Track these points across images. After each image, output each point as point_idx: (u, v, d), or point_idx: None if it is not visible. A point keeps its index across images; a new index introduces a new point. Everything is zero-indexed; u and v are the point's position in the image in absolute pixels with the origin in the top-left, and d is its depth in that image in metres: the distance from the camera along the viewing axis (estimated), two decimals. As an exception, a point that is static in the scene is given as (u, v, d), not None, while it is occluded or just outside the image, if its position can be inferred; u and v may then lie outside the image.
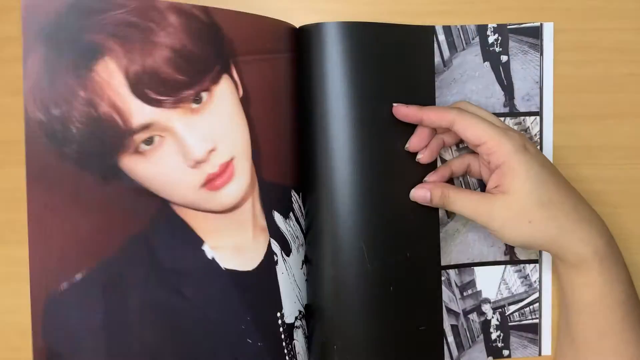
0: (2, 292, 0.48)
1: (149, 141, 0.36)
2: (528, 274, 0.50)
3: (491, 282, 0.50)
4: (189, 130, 0.37)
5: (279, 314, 0.44)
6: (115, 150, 0.35)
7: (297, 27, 0.44)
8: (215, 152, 0.38)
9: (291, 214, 0.44)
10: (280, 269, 0.44)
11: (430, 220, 0.48)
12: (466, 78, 0.49)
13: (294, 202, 0.44)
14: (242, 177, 0.40)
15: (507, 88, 0.49)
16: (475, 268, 0.50)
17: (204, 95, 0.37)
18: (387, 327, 0.47)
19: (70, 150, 0.34)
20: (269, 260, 0.43)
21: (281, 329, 0.44)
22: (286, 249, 0.44)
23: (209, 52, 0.37)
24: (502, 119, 0.47)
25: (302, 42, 0.43)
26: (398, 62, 0.46)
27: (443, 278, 0.49)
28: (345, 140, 0.44)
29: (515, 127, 0.49)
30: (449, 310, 0.49)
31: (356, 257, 0.45)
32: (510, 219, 0.40)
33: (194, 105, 0.37)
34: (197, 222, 0.39)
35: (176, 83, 0.36)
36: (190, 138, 0.37)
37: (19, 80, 0.34)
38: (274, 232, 0.43)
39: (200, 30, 0.36)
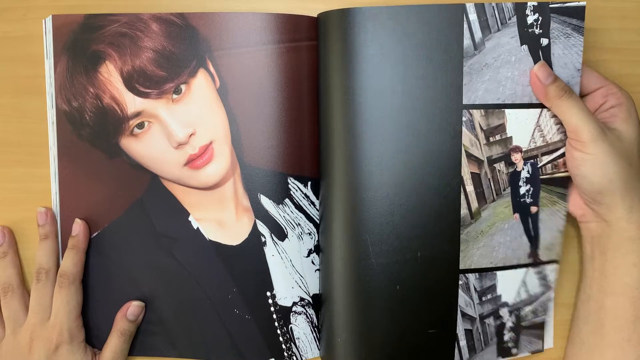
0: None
1: (140, 125, 0.44)
2: (547, 275, 0.47)
3: (512, 287, 0.46)
4: (171, 117, 0.44)
5: (269, 294, 0.46)
6: (116, 132, 0.44)
7: (306, 15, 0.44)
8: (195, 135, 0.44)
9: (287, 201, 0.46)
10: (270, 250, 0.46)
11: (449, 221, 0.45)
12: (500, 63, 0.43)
13: (294, 189, 0.47)
14: (222, 159, 0.45)
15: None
16: (498, 273, 0.46)
17: (183, 87, 0.44)
18: (392, 326, 0.46)
19: (85, 133, 0.44)
20: (254, 239, 0.46)
21: (272, 309, 0.46)
22: (278, 233, 0.46)
23: (186, 50, 0.43)
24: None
25: (321, 29, 0.44)
26: (423, 45, 0.43)
27: (461, 282, 0.46)
28: (364, 129, 0.43)
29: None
30: (464, 315, 0.46)
31: (361, 250, 0.45)
32: (616, 148, 0.40)
33: (175, 96, 0.44)
34: (183, 196, 0.46)
35: (159, 78, 0.43)
36: (172, 123, 0.44)
37: (18, 80, 0.45)
38: (261, 214, 0.46)
39: (178, 32, 0.43)
